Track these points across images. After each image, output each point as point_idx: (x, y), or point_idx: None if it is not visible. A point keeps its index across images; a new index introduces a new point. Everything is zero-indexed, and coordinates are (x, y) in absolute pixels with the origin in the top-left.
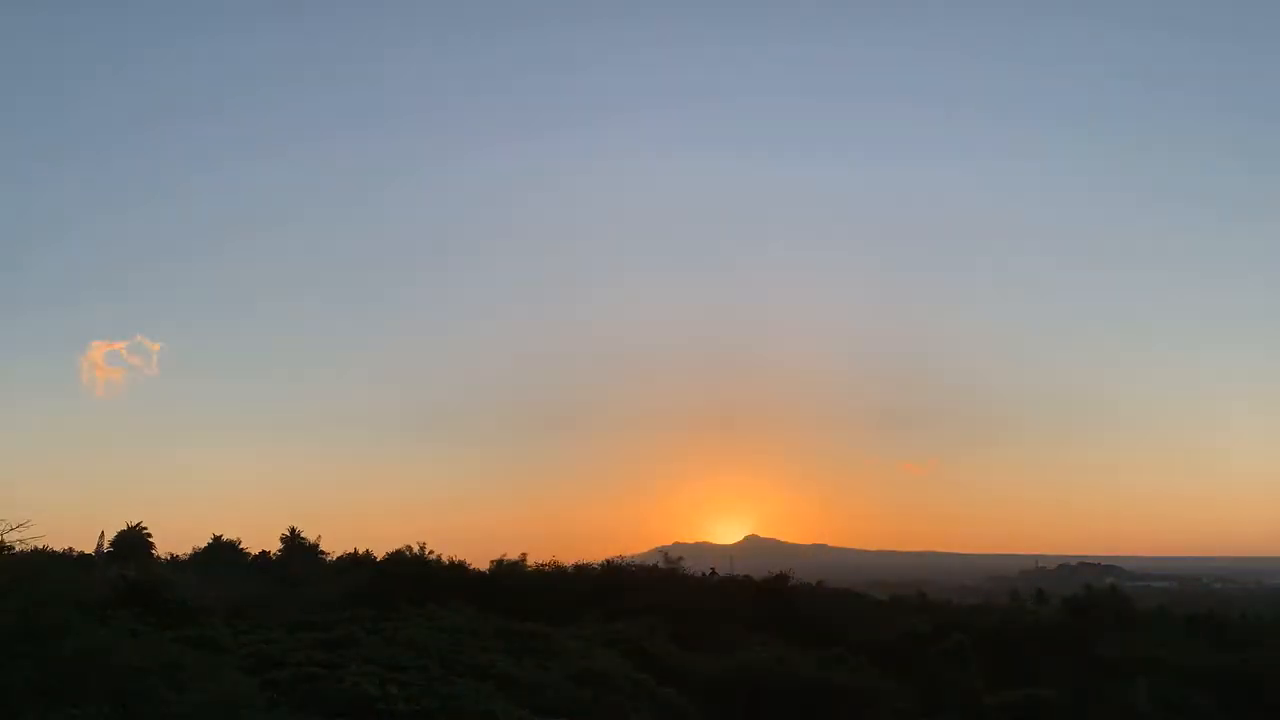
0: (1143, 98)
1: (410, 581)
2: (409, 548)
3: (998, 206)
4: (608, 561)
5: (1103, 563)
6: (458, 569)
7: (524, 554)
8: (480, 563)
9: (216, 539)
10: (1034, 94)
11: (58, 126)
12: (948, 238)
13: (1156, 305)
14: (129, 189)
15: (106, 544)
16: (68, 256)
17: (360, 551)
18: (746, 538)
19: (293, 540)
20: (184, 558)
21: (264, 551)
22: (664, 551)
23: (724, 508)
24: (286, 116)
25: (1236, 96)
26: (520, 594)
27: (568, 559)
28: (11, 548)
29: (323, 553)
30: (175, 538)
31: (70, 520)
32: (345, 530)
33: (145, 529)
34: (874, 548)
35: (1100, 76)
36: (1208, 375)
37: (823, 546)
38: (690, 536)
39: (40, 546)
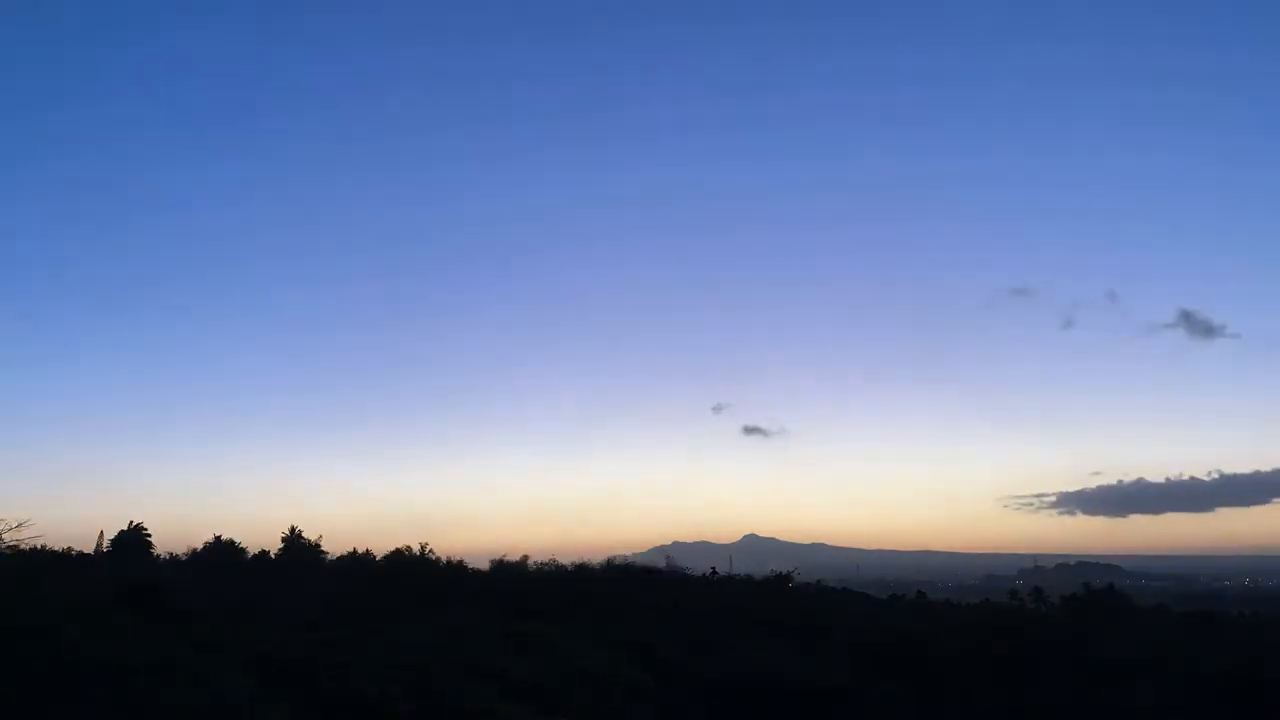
0: None
1: (410, 581)
2: (409, 547)
3: None
4: (608, 561)
5: (1102, 562)
6: (458, 569)
7: (524, 555)
8: (480, 562)
9: (216, 539)
10: None
11: None
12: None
13: None
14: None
15: (106, 544)
16: None
17: (360, 551)
18: (746, 536)
19: (293, 540)
20: (184, 557)
21: (264, 551)
22: (664, 551)
23: (724, 507)
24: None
25: None
26: (520, 594)
27: (568, 558)
28: (13, 546)
29: (323, 552)
30: (175, 538)
31: (70, 520)
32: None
33: (145, 529)
34: (874, 547)
35: None
36: None
37: (822, 545)
38: (690, 536)
39: (40, 546)
